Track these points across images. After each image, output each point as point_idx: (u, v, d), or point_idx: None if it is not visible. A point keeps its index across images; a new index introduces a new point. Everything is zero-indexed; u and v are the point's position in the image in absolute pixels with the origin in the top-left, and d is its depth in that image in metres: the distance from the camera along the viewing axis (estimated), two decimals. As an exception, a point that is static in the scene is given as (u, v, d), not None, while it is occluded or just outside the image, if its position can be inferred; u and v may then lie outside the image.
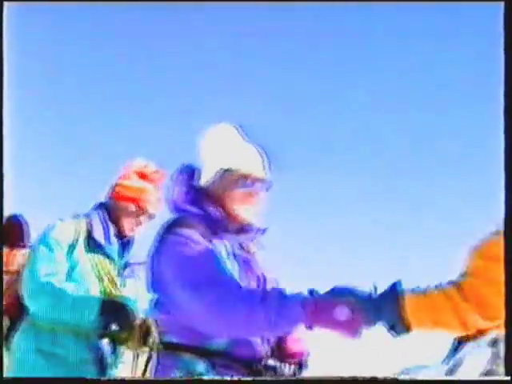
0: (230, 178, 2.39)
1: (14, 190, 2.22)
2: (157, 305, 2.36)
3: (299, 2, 4.63)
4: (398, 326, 2.09)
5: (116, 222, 3.34)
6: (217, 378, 2.16)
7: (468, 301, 1.97)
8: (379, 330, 2.14)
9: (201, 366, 2.27)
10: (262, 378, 1.98)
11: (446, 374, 3.51)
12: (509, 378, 1.73)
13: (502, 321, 2.05)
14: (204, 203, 2.37)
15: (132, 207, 3.25)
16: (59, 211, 3.43)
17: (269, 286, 2.40)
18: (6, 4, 1.99)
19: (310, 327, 2.13)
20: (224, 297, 2.13)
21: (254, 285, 2.36)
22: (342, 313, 2.06)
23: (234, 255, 2.36)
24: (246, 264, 2.38)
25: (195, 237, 2.28)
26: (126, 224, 3.29)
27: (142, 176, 3.30)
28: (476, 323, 2.01)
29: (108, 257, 3.30)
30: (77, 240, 3.23)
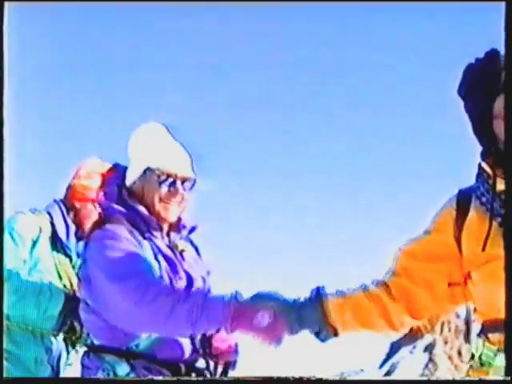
0: (154, 177, 2.34)
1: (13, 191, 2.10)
2: (83, 304, 2.28)
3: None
4: (324, 331, 1.92)
5: (78, 223, 3.21)
6: (216, 378, 2.05)
7: (395, 300, 1.93)
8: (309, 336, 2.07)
9: (123, 368, 2.16)
10: (265, 379, 1.89)
11: (385, 376, 3.52)
12: (509, 378, 1.67)
13: (430, 320, 2.01)
14: (130, 202, 2.32)
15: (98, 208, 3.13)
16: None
17: (195, 286, 2.35)
18: (6, 4, 1.87)
19: (230, 331, 2.07)
20: (146, 294, 2.07)
21: (180, 284, 2.30)
22: (263, 319, 2.00)
23: (162, 254, 2.30)
24: (173, 263, 2.33)
25: (122, 233, 2.21)
26: (89, 225, 3.15)
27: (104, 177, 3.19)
28: (404, 322, 1.96)
29: (67, 256, 3.18)
30: (39, 236, 3.10)
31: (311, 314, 1.87)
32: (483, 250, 1.68)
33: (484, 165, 1.78)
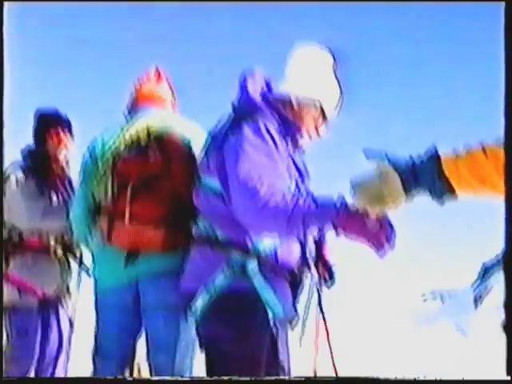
0: (312, 107, 2.50)
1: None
2: (216, 194, 2.39)
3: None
4: (440, 189, 1.93)
5: None
6: (216, 378, 2.08)
7: None
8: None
9: (253, 265, 2.28)
10: (264, 378, 1.99)
11: (475, 301, 3.42)
12: (509, 378, 1.67)
13: None
14: (279, 108, 2.47)
15: None
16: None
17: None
18: (6, 4, 1.96)
19: (338, 230, 2.13)
20: (273, 196, 2.17)
21: (302, 190, 2.43)
22: (372, 224, 2.05)
23: (294, 162, 2.47)
24: (301, 172, 2.50)
25: (270, 129, 2.34)
26: None
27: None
28: None
29: None
30: None
31: (426, 170, 1.90)
32: None
33: None
